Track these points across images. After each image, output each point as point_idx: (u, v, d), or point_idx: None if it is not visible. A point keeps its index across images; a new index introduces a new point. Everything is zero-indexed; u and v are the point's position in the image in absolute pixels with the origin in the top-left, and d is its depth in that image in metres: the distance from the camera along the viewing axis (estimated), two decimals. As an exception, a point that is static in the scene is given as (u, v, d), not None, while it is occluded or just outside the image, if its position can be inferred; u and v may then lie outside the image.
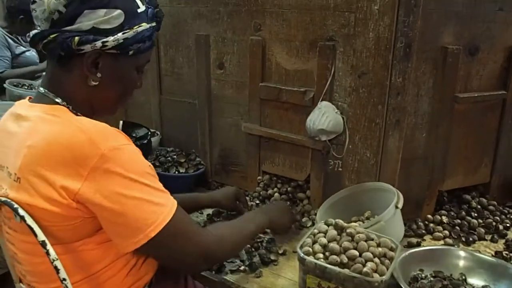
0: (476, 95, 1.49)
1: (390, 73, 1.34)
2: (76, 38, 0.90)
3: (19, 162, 0.88)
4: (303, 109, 1.54)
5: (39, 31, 0.94)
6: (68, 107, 0.95)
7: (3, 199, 0.90)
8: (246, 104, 1.69)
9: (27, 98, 1.02)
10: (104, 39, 0.92)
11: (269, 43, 1.57)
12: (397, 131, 1.40)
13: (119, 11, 0.93)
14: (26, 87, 2.87)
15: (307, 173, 1.62)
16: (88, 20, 0.91)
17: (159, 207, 0.90)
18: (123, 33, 0.94)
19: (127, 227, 0.88)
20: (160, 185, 0.94)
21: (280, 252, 1.37)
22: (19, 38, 3.35)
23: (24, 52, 3.31)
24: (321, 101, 1.47)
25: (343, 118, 1.46)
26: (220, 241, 1.04)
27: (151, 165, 0.96)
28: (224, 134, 1.83)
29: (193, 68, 1.81)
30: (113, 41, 0.93)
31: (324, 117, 1.43)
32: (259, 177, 1.75)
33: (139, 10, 0.97)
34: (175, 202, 0.94)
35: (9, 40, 3.22)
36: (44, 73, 1.05)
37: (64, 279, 0.86)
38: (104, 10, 0.92)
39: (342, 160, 1.52)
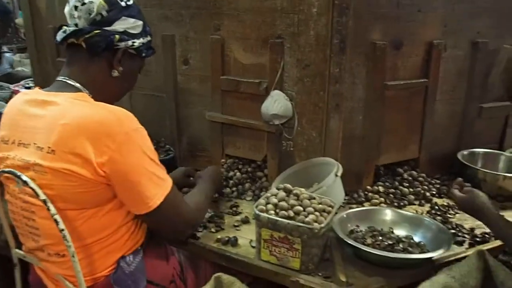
0: (402, 82, 1.76)
1: (329, 65, 1.59)
2: (117, 36, 1.18)
3: (54, 137, 1.06)
4: (259, 97, 1.76)
5: (80, 28, 1.17)
6: (89, 95, 1.17)
7: (7, 169, 1.09)
8: (209, 95, 1.91)
9: (36, 88, 1.21)
10: (133, 40, 1.23)
11: (228, 41, 1.80)
12: (337, 113, 1.66)
13: (141, 22, 1.26)
14: (-2, 87, 3.00)
15: (264, 153, 1.85)
16: (123, 24, 1.21)
17: (163, 181, 1.15)
18: (143, 39, 1.27)
19: (140, 195, 1.10)
20: (160, 164, 1.17)
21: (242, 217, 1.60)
22: None
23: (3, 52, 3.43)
24: (273, 90, 1.71)
25: (292, 104, 1.69)
26: (198, 210, 1.33)
27: None
28: (191, 123, 2.03)
29: (160, 65, 2.01)
30: (139, 43, 1.25)
31: (276, 103, 1.67)
32: (222, 160, 1.97)
33: (146, 26, 1.30)
34: (170, 179, 1.19)
35: None
36: (64, 66, 1.23)
37: (63, 230, 1.05)
38: (133, 20, 1.23)
39: (293, 141, 1.76)
